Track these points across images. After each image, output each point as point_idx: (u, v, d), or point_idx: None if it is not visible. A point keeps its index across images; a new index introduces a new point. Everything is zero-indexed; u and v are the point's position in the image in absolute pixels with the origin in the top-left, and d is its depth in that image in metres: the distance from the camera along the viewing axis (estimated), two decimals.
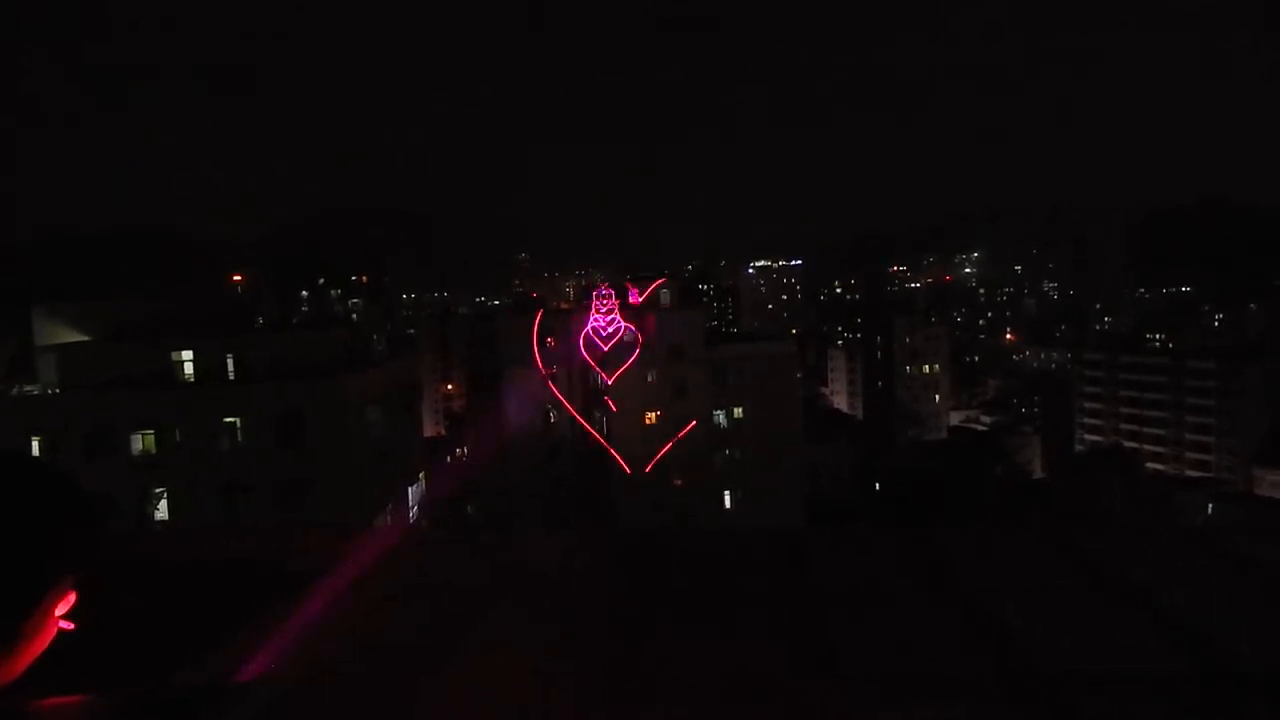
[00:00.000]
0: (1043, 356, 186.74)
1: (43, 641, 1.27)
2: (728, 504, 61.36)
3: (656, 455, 59.56)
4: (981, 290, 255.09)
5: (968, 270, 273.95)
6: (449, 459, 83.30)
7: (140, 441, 39.47)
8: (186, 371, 42.05)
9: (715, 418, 62.58)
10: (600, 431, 62.77)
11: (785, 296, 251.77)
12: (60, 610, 1.27)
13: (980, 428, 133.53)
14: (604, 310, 61.24)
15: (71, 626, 1.29)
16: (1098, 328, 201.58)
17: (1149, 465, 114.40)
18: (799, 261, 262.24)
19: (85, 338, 44.46)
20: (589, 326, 61.46)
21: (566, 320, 65.87)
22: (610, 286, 65.44)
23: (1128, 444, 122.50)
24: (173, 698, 1.68)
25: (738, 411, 62.81)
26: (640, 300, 64.09)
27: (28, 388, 45.14)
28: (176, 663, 3.88)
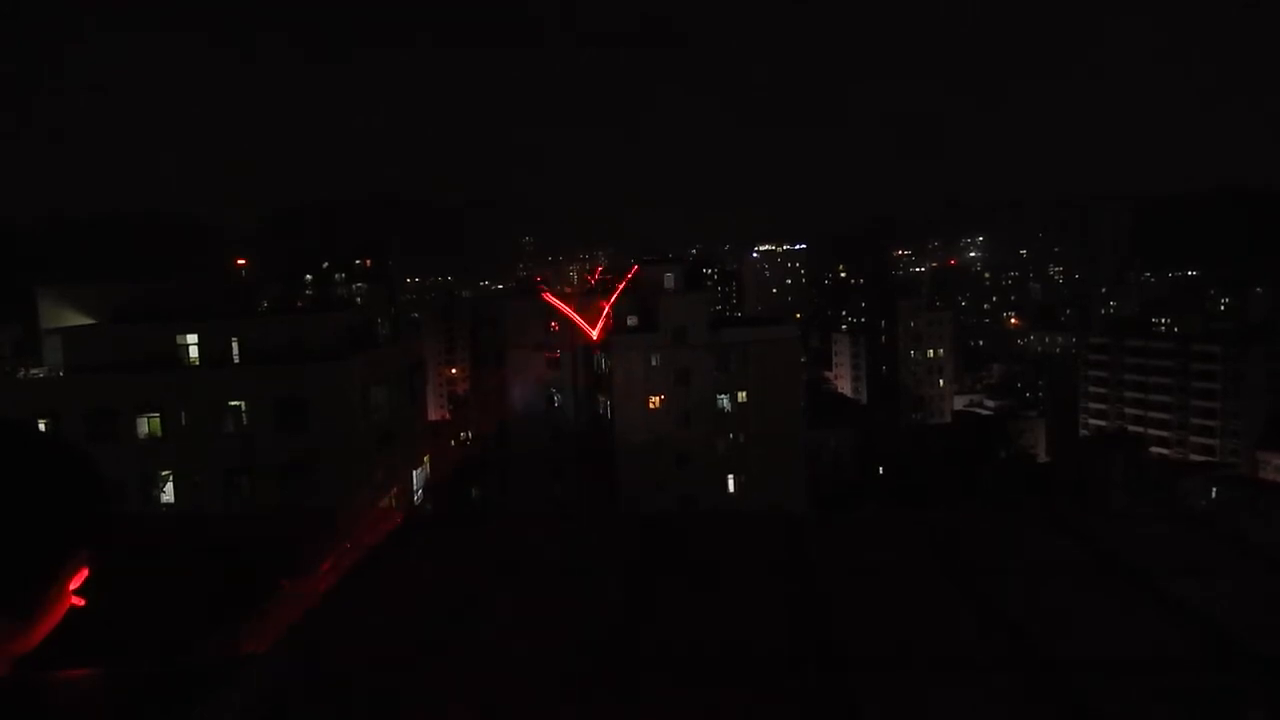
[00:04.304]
0: (1047, 340, 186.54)
1: (57, 615, 1.28)
2: (730, 488, 61.48)
3: None
4: (986, 275, 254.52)
5: (973, 255, 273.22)
6: (453, 442, 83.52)
7: (145, 425, 39.60)
8: (191, 355, 42.13)
9: (719, 401, 62.62)
10: (603, 415, 62.88)
11: (789, 281, 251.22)
12: (73, 585, 1.29)
13: (985, 412, 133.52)
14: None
15: (82, 602, 1.31)
16: (1103, 312, 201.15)
17: (1153, 450, 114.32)
18: (803, 246, 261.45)
19: (90, 320, 44.56)
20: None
21: (570, 304, 65.93)
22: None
23: (1132, 428, 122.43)
24: (177, 673, 1.69)
25: (741, 395, 62.84)
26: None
27: (33, 371, 45.23)
28: (181, 641, 3.90)
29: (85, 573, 1.30)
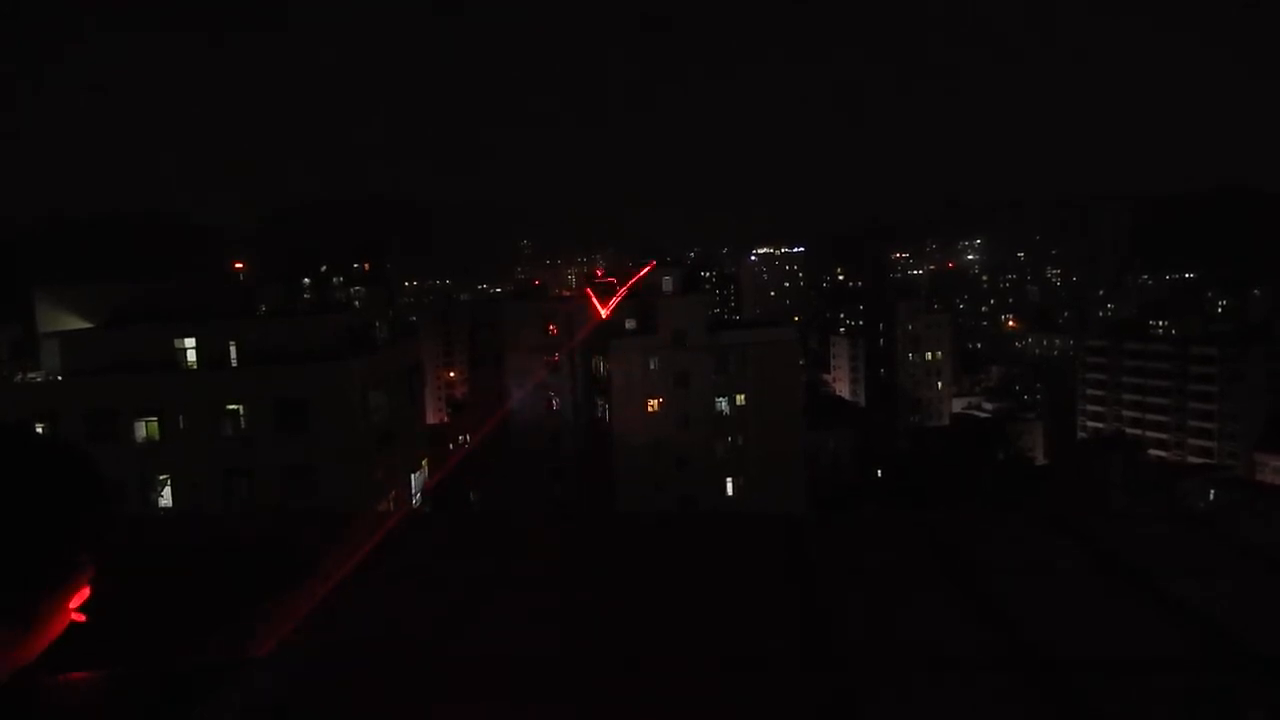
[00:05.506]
0: (1045, 343, 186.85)
1: (59, 626, 1.26)
2: (730, 490, 61.50)
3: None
4: (984, 277, 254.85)
5: (971, 257, 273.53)
6: (451, 445, 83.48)
7: (144, 428, 39.55)
8: (189, 358, 42.08)
9: (717, 404, 62.65)
10: (601, 417, 62.90)
11: (787, 284, 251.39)
12: (75, 603, 1.26)
13: (982, 414, 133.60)
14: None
15: (83, 619, 1.27)
16: (1100, 314, 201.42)
17: (1151, 452, 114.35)
18: (801, 248, 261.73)
19: (88, 322, 44.49)
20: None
21: (568, 306, 66.02)
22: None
23: (1130, 431, 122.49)
24: (178, 674, 1.69)
25: (740, 398, 62.88)
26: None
27: (30, 375, 45.15)
28: (183, 643, 3.90)
29: (87, 592, 1.27)
